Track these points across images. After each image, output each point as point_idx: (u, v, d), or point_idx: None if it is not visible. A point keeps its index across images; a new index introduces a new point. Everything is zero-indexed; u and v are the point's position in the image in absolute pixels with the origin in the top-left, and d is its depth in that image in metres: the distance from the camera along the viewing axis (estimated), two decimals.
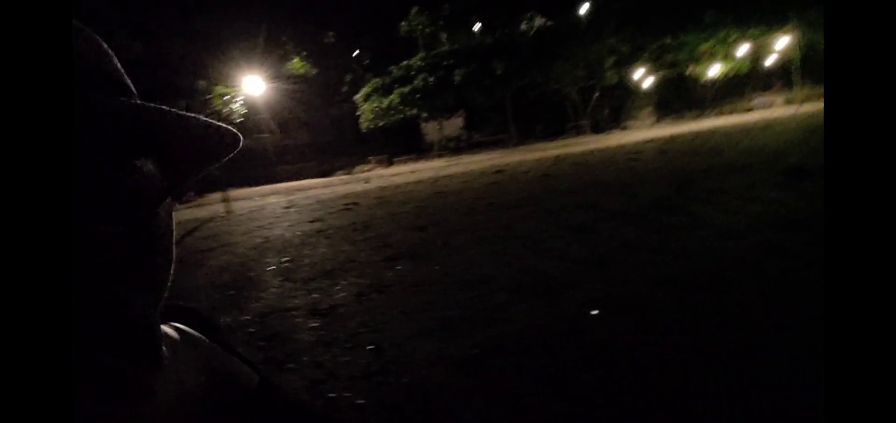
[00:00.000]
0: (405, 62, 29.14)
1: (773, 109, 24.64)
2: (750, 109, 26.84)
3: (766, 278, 3.84)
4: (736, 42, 25.12)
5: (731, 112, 27.05)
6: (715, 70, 27.59)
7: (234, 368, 0.63)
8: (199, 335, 0.62)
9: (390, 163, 28.15)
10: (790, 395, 2.32)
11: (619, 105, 31.49)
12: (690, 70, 28.04)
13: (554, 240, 5.87)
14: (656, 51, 26.58)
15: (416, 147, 33.41)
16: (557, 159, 15.61)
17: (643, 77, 27.82)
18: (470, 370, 3.04)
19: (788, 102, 25.61)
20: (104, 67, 0.50)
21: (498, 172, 14.74)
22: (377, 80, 29.72)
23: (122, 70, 0.52)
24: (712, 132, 16.48)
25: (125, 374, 0.47)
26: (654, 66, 27.50)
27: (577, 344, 3.24)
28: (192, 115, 0.51)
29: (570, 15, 27.83)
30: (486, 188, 11.61)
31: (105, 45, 0.51)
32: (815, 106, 20.20)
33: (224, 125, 0.55)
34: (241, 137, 0.57)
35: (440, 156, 27.12)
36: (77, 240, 0.43)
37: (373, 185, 16.49)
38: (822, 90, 26.32)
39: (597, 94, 29.08)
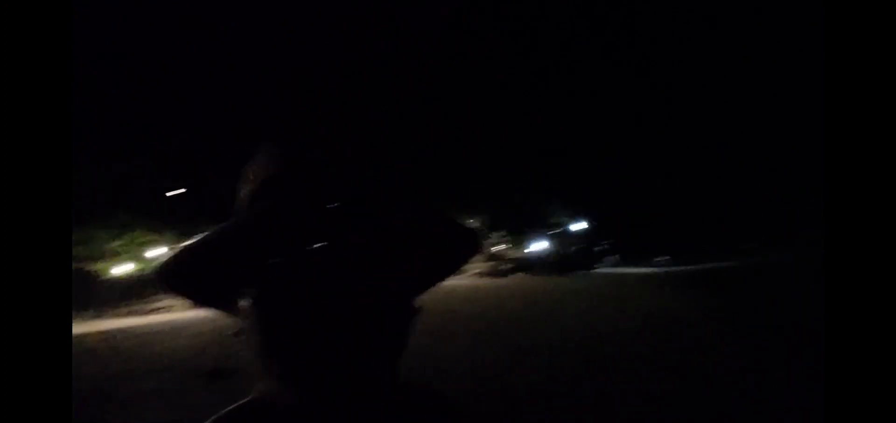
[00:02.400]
0: None
1: (181, 311, 25.88)
2: (156, 310, 27.31)
3: None
4: (147, 244, 25.85)
5: (138, 312, 26.82)
6: (123, 268, 27.23)
7: None
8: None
9: None
10: None
11: None
12: (96, 266, 26.69)
13: None
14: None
15: None
16: None
17: None
18: None
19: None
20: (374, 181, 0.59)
21: None
22: None
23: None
24: (121, 332, 15.96)
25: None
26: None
27: None
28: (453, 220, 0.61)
29: None
30: None
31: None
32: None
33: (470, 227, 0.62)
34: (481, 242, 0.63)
35: None
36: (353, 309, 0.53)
37: None
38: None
39: None
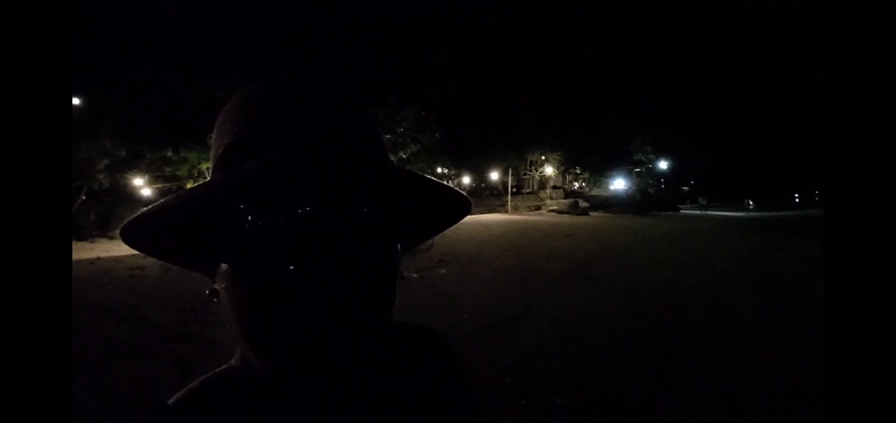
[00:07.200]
0: None
1: None
2: None
3: None
4: None
5: None
6: None
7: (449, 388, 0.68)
8: (427, 352, 0.69)
9: None
10: None
11: (108, 212, 28.60)
12: (191, 184, 28.24)
13: None
14: (157, 161, 25.71)
15: None
16: None
17: (142, 186, 26.31)
18: None
19: None
20: (377, 133, 0.57)
21: None
22: None
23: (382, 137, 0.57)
24: None
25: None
26: (153, 177, 26.46)
27: None
28: (441, 181, 0.55)
29: None
30: None
31: (373, 116, 0.57)
32: None
33: (461, 191, 0.58)
34: (472, 203, 0.61)
35: None
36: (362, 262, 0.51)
37: None
38: None
39: (82, 197, 25.72)
